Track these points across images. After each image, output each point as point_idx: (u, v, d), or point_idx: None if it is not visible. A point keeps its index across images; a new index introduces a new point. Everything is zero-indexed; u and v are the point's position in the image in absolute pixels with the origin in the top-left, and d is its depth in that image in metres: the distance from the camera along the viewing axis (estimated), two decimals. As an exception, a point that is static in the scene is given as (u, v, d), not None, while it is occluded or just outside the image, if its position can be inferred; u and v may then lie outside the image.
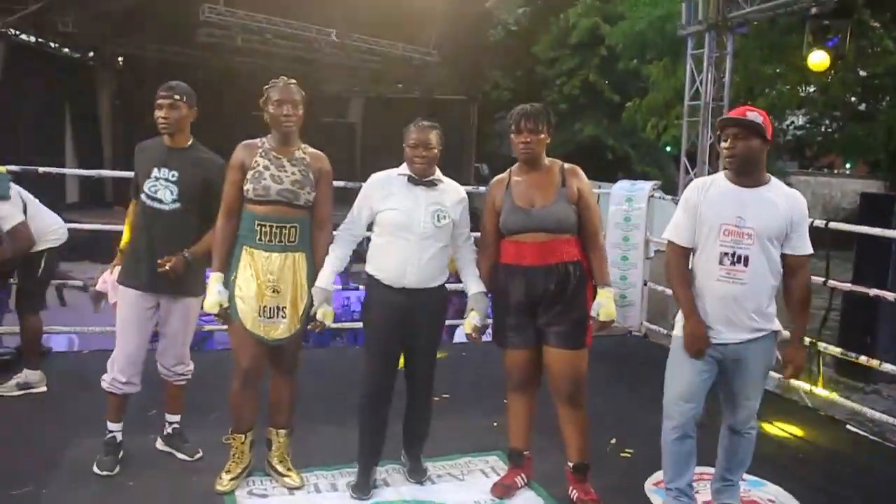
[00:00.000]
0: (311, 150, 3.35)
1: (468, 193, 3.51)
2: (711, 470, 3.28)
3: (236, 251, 3.23)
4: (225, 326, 3.40)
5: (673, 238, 3.10)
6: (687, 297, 3.03)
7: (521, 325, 3.29)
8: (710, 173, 6.50)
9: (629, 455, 3.85)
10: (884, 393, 9.28)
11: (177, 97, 3.42)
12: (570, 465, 3.39)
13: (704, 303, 3.00)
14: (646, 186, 6.43)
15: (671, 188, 8.72)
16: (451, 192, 3.36)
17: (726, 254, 2.92)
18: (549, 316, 3.24)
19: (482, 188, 7.59)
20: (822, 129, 16.66)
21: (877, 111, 14.34)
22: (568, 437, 3.37)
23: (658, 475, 3.35)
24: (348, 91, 24.23)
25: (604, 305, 3.22)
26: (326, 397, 4.43)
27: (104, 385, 3.49)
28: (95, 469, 3.40)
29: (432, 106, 21.01)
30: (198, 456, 3.61)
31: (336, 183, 5.41)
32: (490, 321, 3.43)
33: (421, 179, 3.27)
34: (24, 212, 4.37)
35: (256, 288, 3.18)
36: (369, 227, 3.38)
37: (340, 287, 6.88)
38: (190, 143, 3.52)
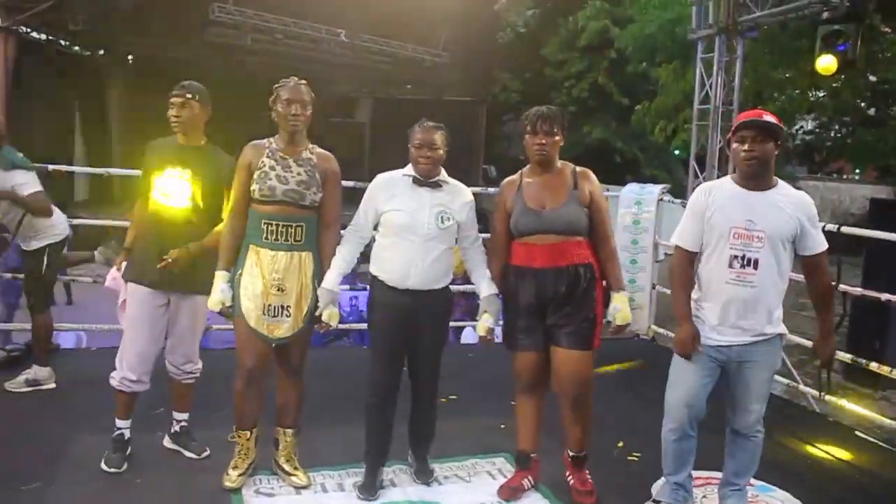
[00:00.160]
0: (318, 150, 3.35)
1: (476, 195, 3.51)
2: (719, 474, 3.27)
3: (243, 250, 3.24)
4: (230, 326, 3.39)
5: (679, 243, 3.12)
6: (684, 302, 3.08)
7: (530, 328, 3.29)
8: (719, 177, 6.48)
9: (637, 458, 3.84)
10: (893, 399, 9.23)
11: (188, 95, 3.43)
12: (570, 454, 3.45)
13: (714, 305, 3.00)
14: (655, 190, 6.42)
15: (680, 192, 8.69)
16: (457, 194, 3.35)
17: (736, 257, 2.93)
18: (557, 317, 3.23)
19: (490, 189, 7.60)
20: (832, 135, 16.59)
21: (887, 116, 14.28)
22: (570, 430, 3.41)
23: (666, 479, 3.35)
24: (357, 91, 24.24)
25: (620, 310, 3.24)
26: (333, 397, 4.43)
27: (113, 383, 3.49)
28: (103, 466, 3.41)
29: (441, 107, 21.02)
30: (205, 454, 3.62)
31: (345, 183, 5.44)
32: (501, 323, 3.43)
33: (426, 180, 3.26)
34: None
35: (262, 286, 3.19)
36: (375, 228, 3.38)
37: (349, 287, 6.87)
38: (203, 142, 3.53)
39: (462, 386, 4.52)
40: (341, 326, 7.41)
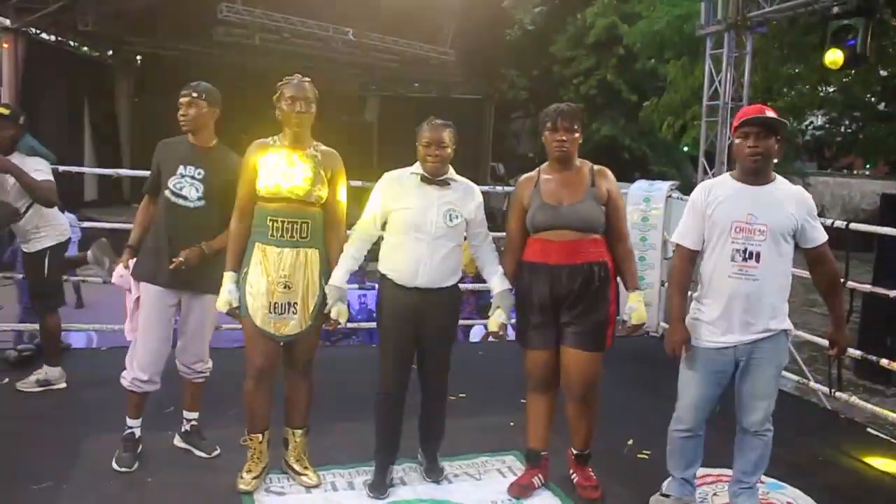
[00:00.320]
0: (323, 147, 3.35)
1: (484, 193, 3.50)
2: (730, 472, 3.26)
3: (248, 248, 3.24)
4: (239, 325, 3.39)
5: (680, 241, 3.16)
6: (679, 304, 3.16)
7: (543, 325, 3.29)
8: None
9: (646, 456, 3.83)
10: (904, 396, 9.18)
11: (195, 95, 3.44)
12: (574, 451, 3.47)
13: (717, 301, 3.03)
14: (663, 187, 6.40)
15: (689, 188, 8.64)
16: (465, 192, 3.35)
17: (738, 250, 2.96)
18: (570, 315, 3.24)
19: (498, 188, 7.61)
20: (842, 130, 16.50)
21: (898, 111, 14.20)
22: (575, 427, 3.43)
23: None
24: (365, 90, 24.25)
25: (635, 309, 3.25)
26: (343, 396, 4.43)
27: (124, 383, 3.51)
28: (114, 465, 3.43)
29: (449, 105, 21.03)
30: (215, 453, 3.63)
31: (353, 182, 5.46)
32: (513, 320, 3.43)
33: (433, 178, 3.26)
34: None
35: (267, 284, 3.19)
36: (383, 227, 3.38)
37: (357, 286, 6.89)
38: (214, 142, 3.54)
39: (471, 384, 4.52)
40: (350, 325, 7.44)
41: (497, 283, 3.37)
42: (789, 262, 3.01)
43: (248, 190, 3.24)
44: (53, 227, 4.47)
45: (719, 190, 3.07)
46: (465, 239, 3.39)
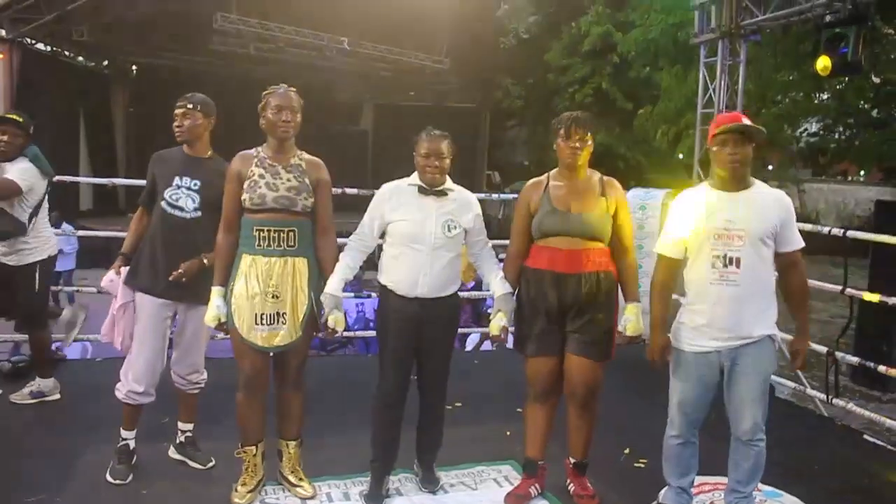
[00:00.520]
0: (307, 156, 3.34)
1: (480, 201, 3.50)
2: (727, 479, 3.25)
3: (236, 259, 3.22)
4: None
5: (662, 251, 3.20)
6: (660, 313, 3.18)
7: (546, 332, 3.29)
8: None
9: (643, 465, 3.82)
10: (901, 402, 9.19)
11: (190, 106, 3.45)
12: (572, 461, 3.46)
13: (702, 307, 3.05)
14: (659, 194, 6.40)
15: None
16: (463, 201, 3.35)
17: (718, 257, 2.99)
18: (576, 324, 3.25)
19: (494, 196, 7.62)
20: (836, 137, 16.58)
21: (891, 118, 14.26)
22: (574, 435, 3.43)
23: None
24: (360, 99, 24.32)
25: (631, 320, 3.26)
26: (338, 406, 4.42)
27: (119, 396, 3.49)
28: (108, 477, 3.41)
29: (444, 114, 21.06)
30: (210, 464, 3.61)
31: (348, 191, 5.47)
32: (512, 329, 3.43)
33: (431, 189, 3.26)
34: (36, 213, 4.34)
35: (255, 295, 3.16)
36: (381, 236, 3.38)
37: (352, 295, 6.86)
38: (210, 153, 3.54)
39: (467, 393, 4.51)
40: (346, 334, 7.43)
41: (498, 286, 3.36)
42: (771, 266, 3.03)
43: (234, 203, 3.22)
44: (44, 241, 4.43)
45: (697, 198, 3.12)
46: (465, 246, 3.39)
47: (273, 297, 3.17)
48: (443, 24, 19.57)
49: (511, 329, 3.43)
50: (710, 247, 3.00)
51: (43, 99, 15.51)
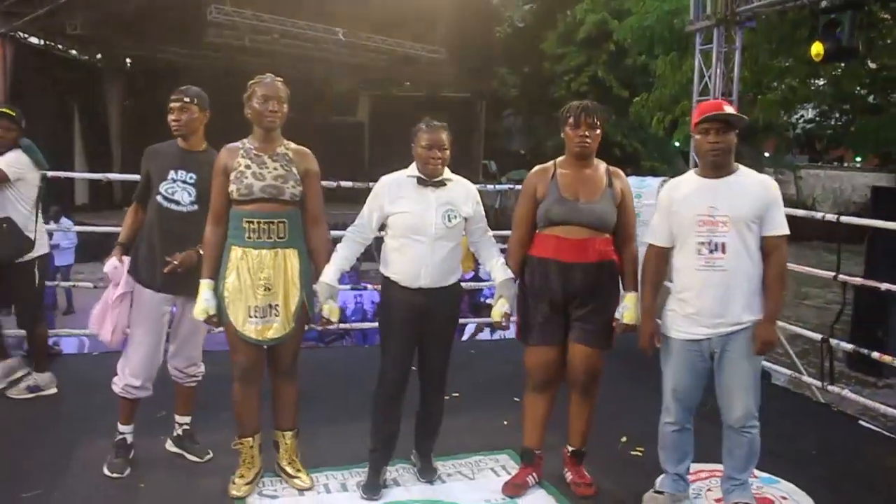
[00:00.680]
0: (293, 146, 3.32)
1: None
2: (723, 466, 3.26)
3: (226, 252, 3.20)
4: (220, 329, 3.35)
5: (651, 240, 3.23)
6: (650, 301, 3.21)
7: (549, 322, 3.29)
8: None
9: (640, 454, 3.83)
10: (897, 387, 9.23)
11: (187, 100, 3.43)
12: (570, 449, 3.48)
13: (690, 294, 3.07)
14: (654, 182, 6.39)
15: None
16: (461, 190, 3.34)
17: (703, 243, 3.01)
18: (580, 313, 3.26)
19: (490, 186, 7.62)
20: (833, 123, 16.57)
21: (888, 104, 14.25)
22: (574, 423, 3.44)
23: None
24: (356, 90, 24.28)
25: (628, 308, 3.27)
26: (336, 397, 4.43)
27: (116, 390, 3.49)
28: (105, 471, 3.41)
29: (440, 103, 21.03)
30: (208, 457, 3.61)
31: (344, 183, 5.46)
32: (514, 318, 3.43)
33: (430, 180, 3.26)
34: (37, 205, 4.36)
35: (248, 288, 3.15)
36: (381, 228, 3.38)
37: (349, 287, 6.87)
38: (204, 146, 3.53)
39: (464, 383, 4.51)
40: (343, 326, 7.45)
41: (499, 272, 3.36)
42: (757, 251, 3.02)
43: (221, 196, 3.20)
44: (41, 236, 4.44)
45: (683, 186, 3.15)
46: (465, 235, 3.39)
47: (265, 289, 3.16)
48: (438, 14, 19.54)
49: (513, 318, 3.43)
50: (695, 233, 3.02)
51: (37, 93, 15.49)
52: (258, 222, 3.14)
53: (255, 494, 3.30)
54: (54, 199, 4.51)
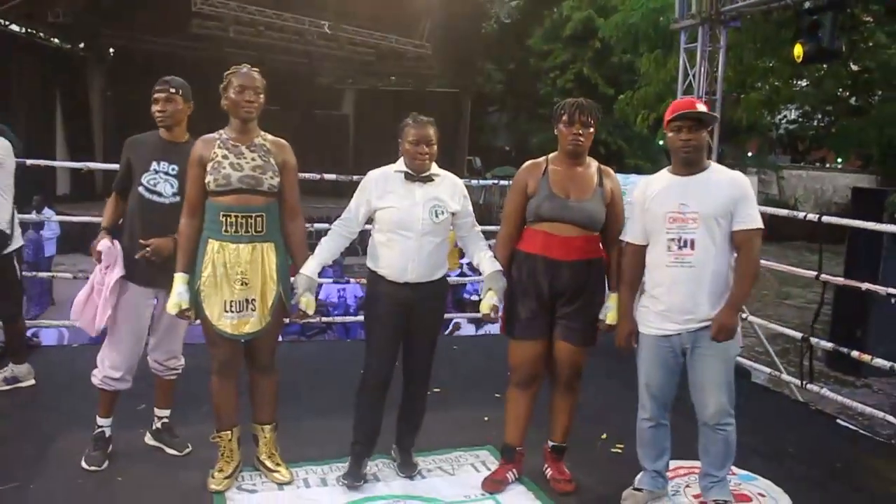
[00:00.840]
0: (271, 137, 3.29)
1: (459, 186, 3.49)
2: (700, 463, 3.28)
3: (201, 246, 3.16)
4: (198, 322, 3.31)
5: (627, 238, 3.25)
6: (627, 299, 3.23)
7: (534, 317, 3.29)
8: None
9: (620, 451, 3.84)
10: (874, 387, 9.31)
11: (172, 90, 3.39)
12: (551, 444, 3.49)
13: (660, 290, 3.09)
14: (639, 180, 6.42)
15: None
16: (448, 185, 3.34)
17: (673, 240, 3.04)
18: (566, 310, 3.27)
19: (474, 182, 7.62)
20: (815, 124, 16.69)
21: (869, 105, 14.36)
22: (556, 418, 3.46)
23: (649, 470, 3.36)
24: (341, 83, 24.20)
25: (611, 309, 3.29)
26: (317, 391, 4.42)
27: (95, 381, 3.45)
28: (84, 464, 3.37)
29: (425, 98, 20.99)
30: (187, 451, 3.59)
31: (327, 176, 5.43)
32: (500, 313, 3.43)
33: (418, 175, 3.25)
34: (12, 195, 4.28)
35: (224, 282, 3.12)
36: (367, 223, 3.37)
37: (331, 280, 6.85)
38: (187, 137, 3.48)
39: (445, 379, 4.50)
40: (325, 320, 7.42)
41: (487, 264, 3.34)
42: (727, 247, 3.03)
43: (197, 187, 3.16)
44: (17, 227, 4.38)
45: (655, 184, 3.17)
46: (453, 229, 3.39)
47: (242, 283, 3.13)
48: (424, 9, 19.51)
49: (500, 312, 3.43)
50: (665, 230, 3.05)
51: (18, 82, 15.33)
52: (235, 216, 3.11)
53: (234, 488, 3.28)
54: (36, 189, 4.44)
